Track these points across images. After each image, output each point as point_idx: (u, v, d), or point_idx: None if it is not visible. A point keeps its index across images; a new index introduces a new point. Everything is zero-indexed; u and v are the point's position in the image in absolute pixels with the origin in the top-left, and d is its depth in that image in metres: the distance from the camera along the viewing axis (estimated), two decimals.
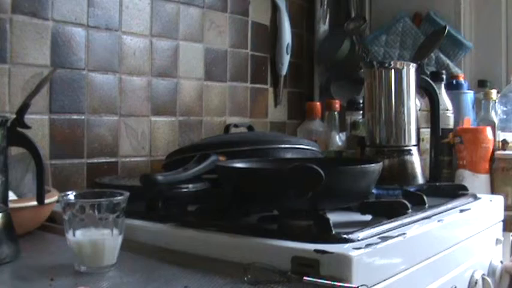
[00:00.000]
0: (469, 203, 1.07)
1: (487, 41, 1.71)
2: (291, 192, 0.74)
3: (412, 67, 1.04)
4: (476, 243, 1.06)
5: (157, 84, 1.33)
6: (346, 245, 0.69)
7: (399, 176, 1.02)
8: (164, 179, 0.88)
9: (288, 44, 1.68)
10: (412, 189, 1.02)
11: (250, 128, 1.44)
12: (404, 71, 1.03)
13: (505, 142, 1.40)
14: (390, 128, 1.03)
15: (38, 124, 1.08)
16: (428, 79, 1.04)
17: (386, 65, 1.03)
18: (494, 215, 1.16)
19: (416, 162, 1.03)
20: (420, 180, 1.03)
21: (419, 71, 1.06)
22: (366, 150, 1.05)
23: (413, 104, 1.04)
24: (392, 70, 1.02)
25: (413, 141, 1.04)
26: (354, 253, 0.66)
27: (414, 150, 1.03)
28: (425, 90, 1.04)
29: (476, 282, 1.03)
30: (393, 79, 1.02)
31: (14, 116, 0.78)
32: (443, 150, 1.32)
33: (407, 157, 1.02)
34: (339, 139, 1.47)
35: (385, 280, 0.73)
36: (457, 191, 1.12)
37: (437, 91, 1.14)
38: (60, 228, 0.74)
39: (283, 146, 1.12)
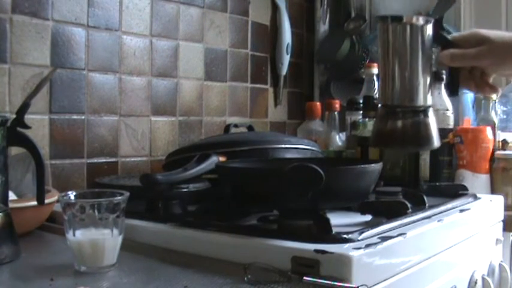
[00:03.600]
0: (469, 203, 1.07)
1: None
2: (291, 192, 0.74)
3: (429, 22, 0.95)
4: (476, 243, 1.06)
5: (157, 84, 1.33)
6: (346, 245, 0.70)
7: (413, 139, 0.93)
8: (164, 179, 0.88)
9: (288, 44, 1.68)
10: (411, 190, 1.02)
11: (250, 128, 1.45)
12: (420, 27, 0.94)
13: (505, 142, 1.40)
14: (404, 87, 0.94)
15: (38, 124, 1.08)
16: (446, 35, 0.98)
17: (402, 19, 0.94)
18: (494, 215, 1.16)
19: (432, 124, 0.94)
20: (435, 143, 0.94)
21: (438, 27, 0.96)
22: (378, 110, 0.97)
23: (430, 62, 0.95)
24: (408, 25, 0.93)
25: (429, 101, 0.95)
26: (353, 253, 0.66)
27: (430, 111, 0.95)
28: (443, 47, 0.92)
29: (476, 282, 1.03)
30: (408, 35, 0.94)
31: (14, 116, 0.78)
32: (443, 150, 1.32)
33: (422, 118, 0.93)
34: (339, 139, 1.47)
35: (385, 280, 0.73)
36: (457, 191, 1.12)
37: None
38: (60, 228, 0.74)
39: (283, 146, 1.12)
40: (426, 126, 0.93)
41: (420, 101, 0.93)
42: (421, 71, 0.93)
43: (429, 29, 0.94)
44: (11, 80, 1.04)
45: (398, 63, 0.94)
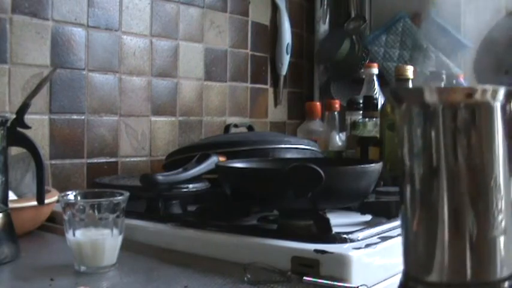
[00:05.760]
0: None
1: None
2: (291, 192, 0.74)
3: (498, 100, 0.47)
4: None
5: (157, 84, 1.33)
6: (346, 245, 0.70)
7: None
8: (164, 179, 0.88)
9: (288, 44, 1.68)
10: None
11: (250, 128, 1.44)
12: (485, 109, 0.47)
13: None
14: (469, 250, 0.47)
15: (38, 124, 1.08)
16: None
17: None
18: None
19: None
20: None
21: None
22: None
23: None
24: (462, 108, 0.47)
25: None
26: (353, 253, 0.66)
27: None
28: None
29: None
30: (462, 128, 0.47)
31: (14, 116, 0.78)
32: None
33: None
34: (339, 139, 1.47)
35: (385, 280, 0.73)
36: None
37: None
38: (60, 228, 0.74)
39: (283, 146, 1.12)
40: None
41: (500, 271, 0.47)
42: (503, 203, 0.47)
43: (498, 113, 0.47)
44: (11, 80, 1.04)
45: (454, 186, 0.48)
